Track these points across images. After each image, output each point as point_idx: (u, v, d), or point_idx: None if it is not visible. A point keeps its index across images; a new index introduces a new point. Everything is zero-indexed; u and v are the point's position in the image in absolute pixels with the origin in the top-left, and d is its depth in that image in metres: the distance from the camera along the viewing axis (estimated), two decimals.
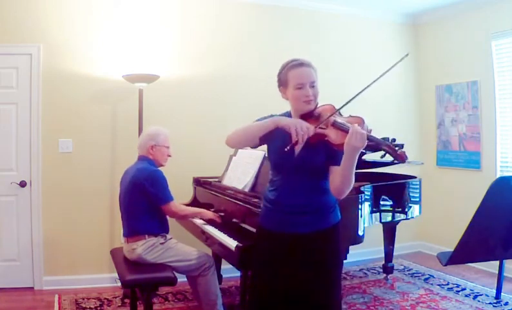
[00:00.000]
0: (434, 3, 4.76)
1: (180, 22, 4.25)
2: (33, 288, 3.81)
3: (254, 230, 2.65)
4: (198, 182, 3.79)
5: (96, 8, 3.97)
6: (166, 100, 4.16)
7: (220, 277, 3.78)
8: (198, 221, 3.21)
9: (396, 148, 1.74)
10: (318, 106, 2.01)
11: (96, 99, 3.99)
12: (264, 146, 2.21)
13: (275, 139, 2.01)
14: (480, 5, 4.49)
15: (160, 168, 3.10)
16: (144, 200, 2.94)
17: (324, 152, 1.93)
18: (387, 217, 3.53)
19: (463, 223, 3.12)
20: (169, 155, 3.20)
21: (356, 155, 1.77)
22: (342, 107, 1.93)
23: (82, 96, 3.94)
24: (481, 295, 3.75)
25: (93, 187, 3.97)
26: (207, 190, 3.54)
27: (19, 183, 3.78)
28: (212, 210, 3.29)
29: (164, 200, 2.97)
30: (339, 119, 1.90)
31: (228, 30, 4.44)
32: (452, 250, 3.25)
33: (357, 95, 1.85)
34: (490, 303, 3.57)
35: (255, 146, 2.09)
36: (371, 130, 1.78)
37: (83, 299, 3.60)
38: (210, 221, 3.11)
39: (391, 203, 3.50)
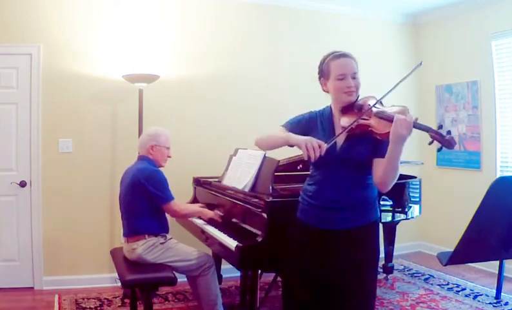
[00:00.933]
0: (434, 3, 4.76)
1: (180, 22, 4.25)
2: (33, 288, 3.81)
3: (254, 230, 2.66)
4: (198, 182, 3.79)
5: (96, 8, 3.97)
6: (166, 100, 4.16)
7: (220, 277, 3.77)
8: (199, 221, 3.22)
9: (444, 134, 1.73)
10: (360, 98, 1.99)
11: (96, 99, 3.99)
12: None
13: (314, 133, 1.98)
14: (480, 5, 4.49)
15: (160, 168, 3.10)
16: (144, 200, 2.94)
17: (367, 144, 1.91)
18: (387, 217, 3.53)
19: (463, 223, 3.12)
20: (169, 157, 3.20)
21: (403, 144, 1.76)
22: (383, 97, 1.92)
23: (82, 96, 3.94)
24: (481, 295, 3.75)
25: (93, 187, 3.96)
26: (207, 190, 3.54)
27: (19, 183, 3.78)
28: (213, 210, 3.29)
29: (165, 199, 2.97)
30: (382, 109, 1.89)
31: (228, 30, 4.44)
32: (452, 250, 3.25)
33: (397, 84, 1.87)
34: (490, 303, 3.57)
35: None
36: (416, 118, 1.77)
37: (83, 299, 3.60)
38: (210, 221, 3.11)
39: (391, 203, 3.50)
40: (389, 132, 1.77)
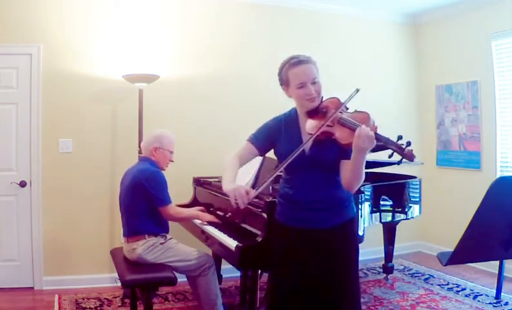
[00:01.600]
0: (434, 3, 4.76)
1: (180, 22, 4.25)
2: (33, 288, 3.81)
3: (254, 230, 2.66)
4: (198, 182, 3.79)
5: (96, 8, 3.97)
6: (166, 100, 4.16)
7: (220, 277, 3.77)
8: (198, 221, 3.21)
9: (404, 147, 1.73)
10: (324, 99, 2.00)
11: (96, 99, 3.99)
12: None
13: (281, 141, 2.03)
14: (480, 5, 4.49)
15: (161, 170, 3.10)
16: (144, 200, 2.95)
17: (334, 147, 1.92)
18: (387, 217, 3.53)
19: (463, 223, 3.12)
20: (172, 161, 3.21)
21: (366, 154, 1.78)
22: (346, 101, 1.92)
23: (82, 96, 3.94)
24: (481, 295, 3.75)
25: (93, 187, 3.97)
26: (207, 190, 3.54)
27: (19, 183, 3.78)
28: (212, 209, 3.29)
29: (162, 202, 2.97)
30: (345, 116, 1.88)
31: (228, 30, 4.44)
32: (452, 250, 3.25)
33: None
34: (490, 303, 3.57)
35: (260, 155, 2.13)
36: (376, 127, 1.77)
37: (83, 299, 3.60)
38: (209, 222, 3.11)
39: (391, 203, 3.50)
40: (351, 142, 1.77)
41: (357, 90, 1.94)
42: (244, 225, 2.83)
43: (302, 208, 2.02)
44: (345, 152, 1.91)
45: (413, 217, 3.75)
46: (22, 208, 3.82)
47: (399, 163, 1.79)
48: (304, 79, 1.96)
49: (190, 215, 3.20)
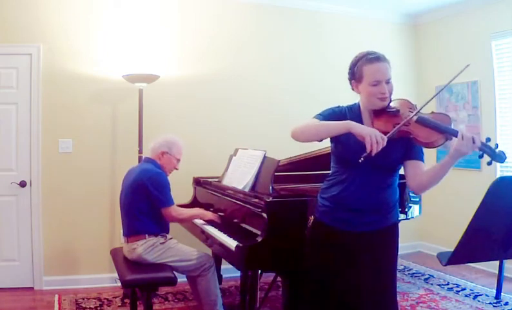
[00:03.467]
0: (434, 3, 4.76)
1: (180, 22, 4.25)
2: (33, 288, 3.81)
3: (254, 230, 2.66)
4: (198, 182, 3.79)
5: (96, 8, 3.97)
6: (166, 100, 4.16)
7: (220, 277, 3.77)
8: (198, 221, 3.22)
9: (495, 148, 1.74)
10: (392, 100, 1.96)
11: (96, 99, 3.99)
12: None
13: (345, 133, 1.90)
14: (480, 5, 4.49)
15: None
16: (145, 200, 2.95)
17: (400, 148, 1.89)
18: None
19: (463, 223, 3.12)
20: (177, 169, 3.21)
21: (461, 158, 1.76)
22: (423, 107, 1.89)
23: (82, 96, 3.94)
24: (481, 295, 3.75)
25: (93, 187, 3.96)
26: (207, 190, 3.54)
27: (19, 183, 3.78)
28: (212, 209, 3.29)
29: (164, 203, 2.97)
30: (424, 116, 1.86)
31: (228, 30, 4.44)
32: (452, 250, 3.25)
33: (438, 93, 1.90)
34: (490, 303, 3.57)
35: (320, 141, 1.98)
36: (479, 136, 1.76)
37: (83, 299, 3.60)
38: (210, 221, 3.11)
39: None
40: (434, 142, 1.78)
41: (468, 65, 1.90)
42: (244, 225, 2.83)
43: (351, 210, 1.95)
44: (413, 150, 1.88)
45: (412, 217, 3.74)
46: (22, 208, 3.82)
47: (489, 163, 1.77)
48: (380, 77, 1.89)
49: (192, 215, 3.20)
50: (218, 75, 4.37)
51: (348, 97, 2.11)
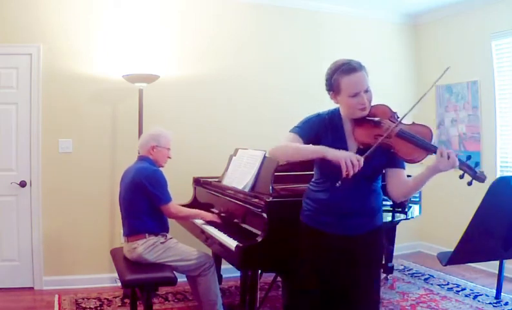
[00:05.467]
0: (434, 3, 4.76)
1: (180, 22, 4.25)
2: (33, 288, 3.81)
3: (254, 230, 2.66)
4: (198, 182, 3.79)
5: (96, 8, 3.96)
6: (166, 100, 4.16)
7: (220, 277, 3.77)
8: (198, 221, 3.21)
9: (475, 168, 1.74)
10: (372, 105, 1.94)
11: (96, 99, 3.99)
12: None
13: (327, 140, 1.94)
14: (480, 5, 4.49)
15: (160, 169, 3.11)
16: (144, 199, 2.95)
17: (382, 156, 1.89)
18: (387, 217, 3.52)
19: (463, 223, 3.12)
20: (169, 157, 3.21)
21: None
22: (404, 116, 1.87)
23: (82, 96, 3.94)
24: (481, 295, 3.75)
25: (93, 187, 3.96)
26: (207, 190, 3.53)
27: (19, 183, 3.78)
28: (212, 210, 3.29)
29: (163, 200, 2.97)
30: (404, 128, 1.84)
31: (228, 30, 4.44)
32: (452, 250, 3.25)
33: (421, 99, 1.87)
34: (490, 303, 3.57)
35: None
36: (456, 155, 1.76)
37: (83, 299, 3.60)
38: (210, 222, 3.11)
39: (391, 203, 3.49)
40: (415, 158, 1.79)
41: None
42: (244, 225, 2.83)
43: (336, 214, 1.97)
44: (395, 159, 1.88)
45: (412, 218, 3.74)
46: (22, 208, 3.82)
47: (470, 183, 1.78)
48: (358, 89, 1.86)
49: (191, 214, 3.21)
50: (218, 76, 4.37)
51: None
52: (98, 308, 3.44)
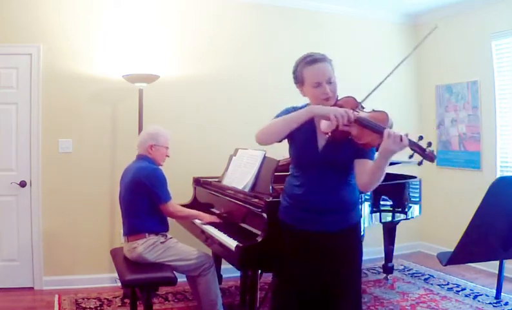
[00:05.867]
0: (434, 3, 4.76)
1: (180, 22, 4.25)
2: (33, 288, 3.81)
3: (254, 230, 2.66)
4: (198, 182, 3.79)
5: (96, 8, 3.97)
6: (166, 100, 4.16)
7: (220, 277, 3.77)
8: (198, 221, 3.22)
9: (425, 148, 1.73)
10: (339, 98, 1.97)
11: (96, 99, 3.99)
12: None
13: (297, 134, 1.98)
14: (480, 5, 4.49)
15: (159, 167, 3.11)
16: (144, 198, 2.95)
17: (349, 146, 1.90)
18: (387, 217, 3.53)
19: (463, 223, 3.12)
20: (168, 156, 3.22)
21: (391, 157, 1.76)
22: (363, 100, 1.91)
23: (82, 96, 3.94)
24: (481, 295, 3.75)
25: (93, 187, 3.96)
26: (207, 190, 3.54)
27: (19, 183, 3.78)
28: (212, 210, 3.29)
29: (162, 199, 2.98)
30: (363, 115, 1.86)
31: (228, 30, 4.44)
32: (452, 250, 3.25)
33: (378, 86, 1.88)
34: (490, 303, 3.57)
35: (279, 141, 2.04)
36: (407, 134, 1.75)
37: (83, 299, 3.60)
38: (210, 222, 3.11)
39: (391, 203, 3.50)
40: (370, 142, 1.78)
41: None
42: (244, 225, 2.83)
43: (311, 209, 1.98)
44: (360, 151, 1.88)
45: (412, 218, 3.75)
46: (22, 208, 3.82)
47: (420, 163, 1.77)
48: (320, 78, 1.92)
49: (190, 214, 3.21)
50: (218, 75, 4.37)
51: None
52: (98, 308, 3.44)
